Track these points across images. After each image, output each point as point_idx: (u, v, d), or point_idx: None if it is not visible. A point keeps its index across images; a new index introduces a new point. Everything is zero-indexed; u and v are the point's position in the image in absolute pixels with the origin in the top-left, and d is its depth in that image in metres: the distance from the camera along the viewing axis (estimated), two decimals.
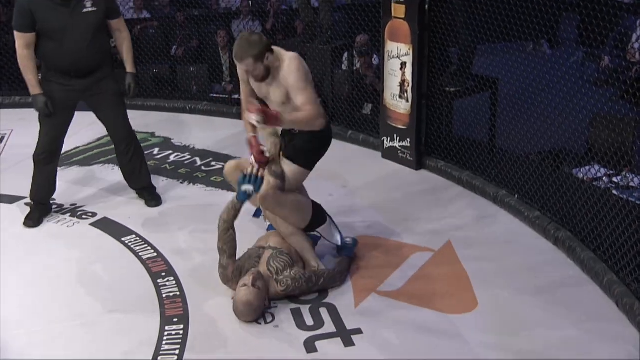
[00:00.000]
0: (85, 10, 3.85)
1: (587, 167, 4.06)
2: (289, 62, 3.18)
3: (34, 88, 3.91)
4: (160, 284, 3.50)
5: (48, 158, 4.13)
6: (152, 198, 4.42)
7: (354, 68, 5.79)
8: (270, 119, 3.03)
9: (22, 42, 3.84)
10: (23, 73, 3.91)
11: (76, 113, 3.91)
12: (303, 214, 3.42)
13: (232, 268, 3.30)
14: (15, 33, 3.84)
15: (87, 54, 3.91)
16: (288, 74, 3.16)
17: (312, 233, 3.57)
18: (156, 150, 5.39)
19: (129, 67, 4.19)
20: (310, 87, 3.20)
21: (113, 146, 4.43)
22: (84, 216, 4.29)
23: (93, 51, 3.93)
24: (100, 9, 3.92)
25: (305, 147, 3.36)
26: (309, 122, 3.16)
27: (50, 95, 3.93)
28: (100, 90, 4.07)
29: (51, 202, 4.35)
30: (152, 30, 7.08)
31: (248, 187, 3.24)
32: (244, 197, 3.26)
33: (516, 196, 4.20)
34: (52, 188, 4.26)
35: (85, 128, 5.78)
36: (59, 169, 4.30)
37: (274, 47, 3.23)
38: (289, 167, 3.37)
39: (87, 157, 5.30)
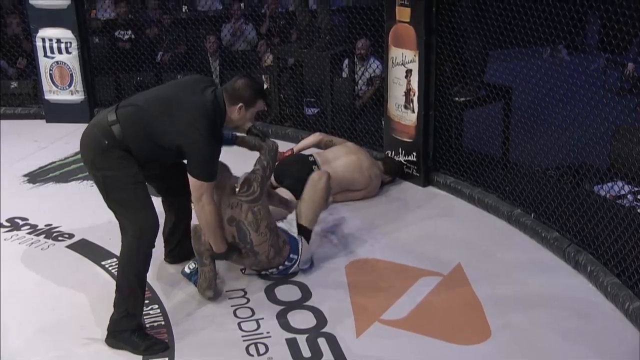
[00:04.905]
0: None
1: (610, 184, 4.06)
2: None
3: None
4: (143, 313, 3.48)
5: None
6: None
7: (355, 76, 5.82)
8: None
9: None
10: None
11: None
12: None
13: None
14: None
15: None
16: None
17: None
18: None
19: None
20: None
21: None
22: (60, 238, 4.28)
23: None
24: None
25: None
26: None
27: None
28: None
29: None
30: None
31: None
32: None
33: (532, 215, 4.20)
34: None
35: (58, 141, 5.78)
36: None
37: None
38: None
39: (64, 172, 5.28)
